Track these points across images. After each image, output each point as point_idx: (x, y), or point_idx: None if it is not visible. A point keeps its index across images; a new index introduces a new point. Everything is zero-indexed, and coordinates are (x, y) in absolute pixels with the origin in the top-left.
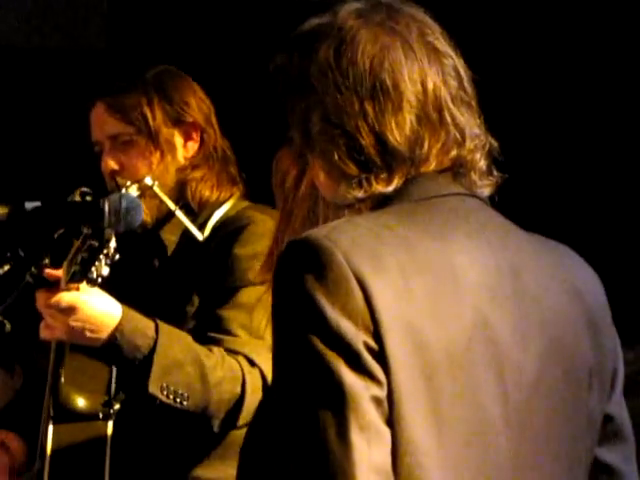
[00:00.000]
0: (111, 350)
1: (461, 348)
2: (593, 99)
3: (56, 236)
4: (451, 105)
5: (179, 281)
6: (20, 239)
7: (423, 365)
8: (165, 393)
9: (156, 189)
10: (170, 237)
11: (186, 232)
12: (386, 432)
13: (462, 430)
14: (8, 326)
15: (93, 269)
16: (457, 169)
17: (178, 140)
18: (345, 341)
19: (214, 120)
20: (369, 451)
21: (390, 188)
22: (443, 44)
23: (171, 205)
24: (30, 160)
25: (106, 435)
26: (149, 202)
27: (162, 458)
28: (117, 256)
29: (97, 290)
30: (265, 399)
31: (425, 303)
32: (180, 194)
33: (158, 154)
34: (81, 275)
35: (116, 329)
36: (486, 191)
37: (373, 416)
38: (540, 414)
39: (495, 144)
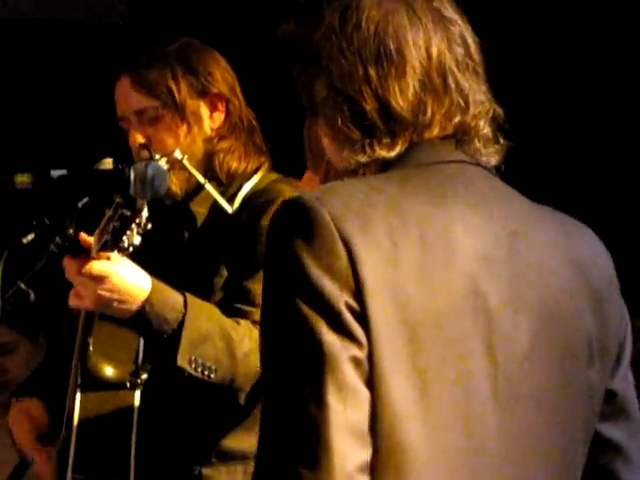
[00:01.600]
0: (139, 322)
1: (449, 316)
2: (603, 71)
3: (80, 205)
4: (456, 71)
5: (208, 253)
6: (45, 208)
7: (406, 329)
8: (193, 366)
9: (185, 162)
10: (200, 209)
11: (216, 204)
12: (364, 393)
13: (446, 397)
14: (32, 295)
15: (124, 238)
16: (460, 136)
17: (204, 111)
18: (327, 300)
19: (238, 90)
20: (345, 411)
21: (393, 153)
22: (450, 10)
23: (200, 178)
24: (55, 129)
25: (133, 405)
26: (178, 175)
27: (188, 429)
28: (149, 225)
29: (128, 261)
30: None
31: (413, 268)
32: (208, 165)
33: (185, 127)
34: (113, 244)
35: (145, 301)
36: (492, 160)
37: (351, 377)
38: (532, 384)
39: (500, 111)
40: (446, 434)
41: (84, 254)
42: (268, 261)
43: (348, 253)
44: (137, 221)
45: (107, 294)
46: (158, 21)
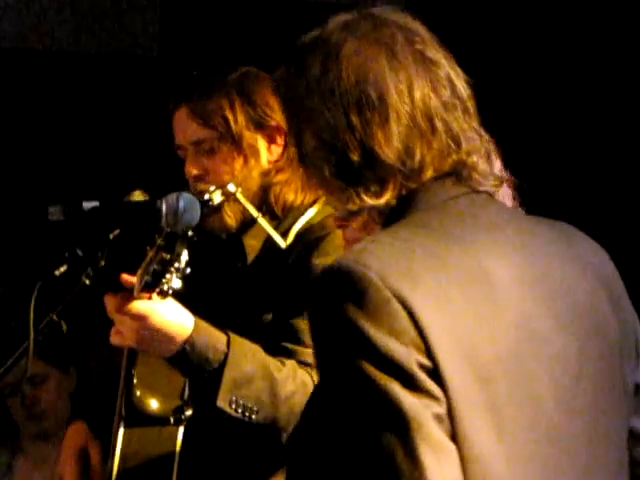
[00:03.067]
0: (181, 361)
1: (508, 349)
2: (594, 98)
3: (112, 237)
4: (443, 112)
5: (258, 288)
6: (77, 239)
7: (477, 374)
8: (234, 407)
9: (239, 196)
10: (253, 243)
11: (270, 238)
12: (452, 447)
13: (523, 428)
14: (64, 327)
15: (164, 281)
16: (458, 173)
17: (262, 144)
18: (397, 363)
19: None
20: (440, 468)
21: (382, 200)
22: (433, 51)
23: (254, 212)
24: (88, 161)
25: (176, 442)
26: (233, 207)
27: (230, 467)
28: (188, 270)
29: (170, 300)
30: (317, 430)
31: (466, 311)
32: (264, 198)
33: (241, 159)
34: (153, 286)
35: (187, 341)
36: (492, 190)
37: (438, 433)
38: (586, 396)
39: (493, 146)
40: (527, 466)
41: (125, 292)
42: (323, 335)
43: (407, 311)
44: (176, 265)
45: (147, 333)
46: (188, 54)
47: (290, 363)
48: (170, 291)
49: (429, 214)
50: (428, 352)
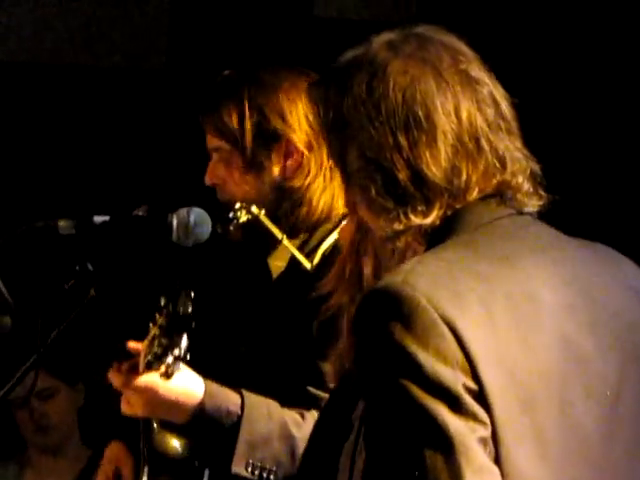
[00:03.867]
0: (194, 428)
1: (551, 372)
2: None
3: (122, 251)
4: (488, 132)
5: (283, 311)
6: (87, 253)
7: (521, 398)
8: (250, 469)
9: (263, 218)
10: (278, 264)
11: (295, 259)
12: (496, 471)
13: (564, 452)
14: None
15: (164, 366)
16: (502, 193)
17: (275, 158)
18: (444, 385)
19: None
20: None
21: (428, 220)
22: (477, 71)
23: (278, 233)
24: (98, 175)
25: None
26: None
27: None
28: (188, 356)
29: (182, 368)
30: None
31: (511, 334)
32: (281, 214)
33: (253, 172)
34: (154, 367)
35: (198, 408)
36: (535, 211)
37: (483, 457)
38: (625, 420)
39: (537, 168)
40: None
41: (131, 364)
42: (369, 358)
43: (453, 333)
44: (176, 353)
45: (156, 405)
46: (197, 65)
47: (311, 416)
48: (171, 374)
49: (473, 235)
50: (474, 375)
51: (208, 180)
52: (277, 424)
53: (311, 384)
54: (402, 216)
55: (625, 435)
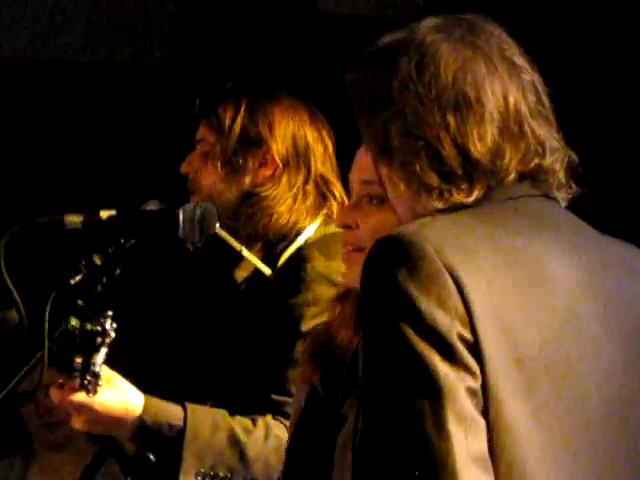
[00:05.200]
0: (139, 441)
1: (553, 339)
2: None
3: (128, 246)
4: (530, 119)
5: (246, 319)
6: (94, 248)
7: (517, 355)
8: (200, 478)
9: (219, 231)
10: (242, 273)
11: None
12: (481, 422)
13: (559, 420)
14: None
15: (85, 382)
16: (536, 177)
17: (251, 163)
18: (439, 333)
19: (314, 150)
20: (466, 441)
21: (470, 199)
22: (521, 60)
23: (237, 245)
24: (105, 170)
25: None
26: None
27: None
28: (102, 373)
29: (115, 383)
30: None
31: (516, 295)
32: (240, 218)
33: (224, 171)
34: (80, 384)
35: (137, 424)
36: (563, 202)
37: (468, 407)
38: (628, 399)
39: (575, 157)
40: (562, 458)
41: (71, 381)
42: (371, 299)
43: (456, 284)
44: (92, 369)
45: (94, 422)
46: (205, 64)
47: (262, 421)
48: (95, 390)
49: (495, 206)
50: (472, 327)
51: (183, 168)
52: (225, 432)
53: (275, 392)
54: (446, 194)
55: (625, 413)
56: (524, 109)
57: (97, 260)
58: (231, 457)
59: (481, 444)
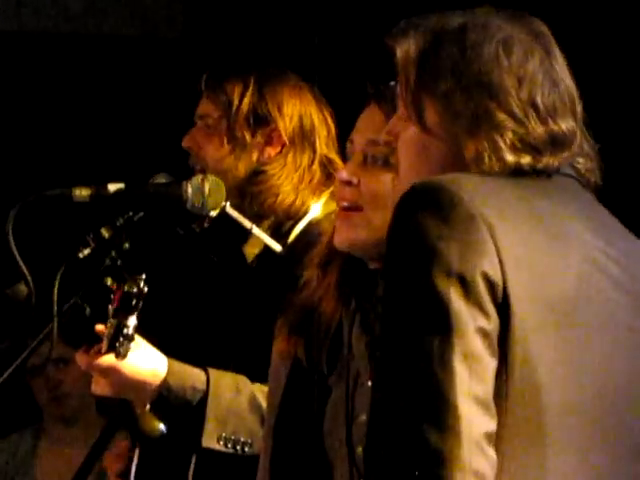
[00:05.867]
0: (161, 406)
1: (575, 295)
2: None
3: (136, 219)
4: (564, 110)
5: (259, 295)
6: (102, 221)
7: (545, 300)
8: (222, 443)
9: (229, 210)
10: (253, 251)
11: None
12: (490, 364)
13: (585, 368)
14: (88, 310)
15: (117, 345)
16: (571, 162)
17: (257, 141)
18: (462, 269)
19: (320, 133)
20: (470, 380)
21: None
22: (560, 58)
23: (247, 224)
24: (113, 143)
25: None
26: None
27: None
28: (135, 337)
29: (142, 346)
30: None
31: (541, 249)
32: (247, 195)
33: (230, 147)
34: (111, 348)
35: (162, 386)
36: (592, 178)
37: (477, 346)
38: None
39: (597, 154)
40: (582, 405)
41: (95, 347)
42: (398, 239)
43: (489, 231)
44: (124, 332)
45: (119, 385)
46: (213, 37)
47: None
48: (126, 353)
49: (523, 177)
50: (500, 266)
51: (185, 143)
52: (246, 397)
53: None
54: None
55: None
56: (559, 101)
57: (105, 233)
58: (252, 422)
59: (485, 387)
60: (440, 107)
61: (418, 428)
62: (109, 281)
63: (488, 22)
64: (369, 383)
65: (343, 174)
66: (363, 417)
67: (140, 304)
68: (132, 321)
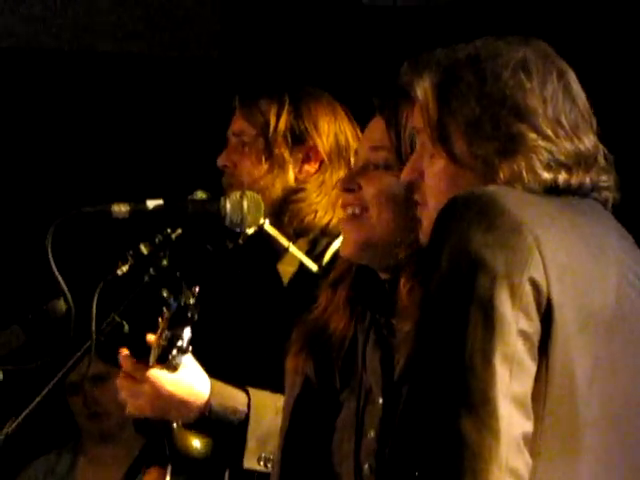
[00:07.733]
0: (202, 426)
1: (612, 310)
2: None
3: (174, 236)
4: (586, 130)
5: (294, 313)
6: (141, 238)
7: (582, 314)
8: (263, 463)
9: (268, 227)
10: (288, 269)
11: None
12: (530, 368)
13: (618, 375)
14: (126, 327)
15: (170, 358)
16: (594, 183)
17: (294, 159)
18: (508, 275)
19: (344, 150)
20: (510, 380)
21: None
22: (576, 81)
23: (284, 241)
24: (153, 160)
25: None
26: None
27: None
28: (190, 348)
29: (188, 365)
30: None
31: (587, 261)
32: (284, 213)
33: (267, 165)
34: (162, 360)
35: (204, 406)
36: (609, 197)
37: (519, 348)
38: None
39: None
40: (611, 416)
41: (143, 359)
42: (439, 245)
43: (532, 236)
44: (179, 344)
45: (162, 402)
46: (249, 57)
47: None
48: (177, 367)
49: (558, 196)
50: (545, 272)
51: (221, 161)
52: None
53: None
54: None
55: None
56: (582, 122)
57: (144, 250)
58: None
59: (524, 387)
60: (468, 134)
61: (457, 424)
62: (165, 292)
63: (498, 49)
64: (380, 401)
65: (344, 182)
66: (372, 434)
67: (195, 316)
68: (187, 333)
